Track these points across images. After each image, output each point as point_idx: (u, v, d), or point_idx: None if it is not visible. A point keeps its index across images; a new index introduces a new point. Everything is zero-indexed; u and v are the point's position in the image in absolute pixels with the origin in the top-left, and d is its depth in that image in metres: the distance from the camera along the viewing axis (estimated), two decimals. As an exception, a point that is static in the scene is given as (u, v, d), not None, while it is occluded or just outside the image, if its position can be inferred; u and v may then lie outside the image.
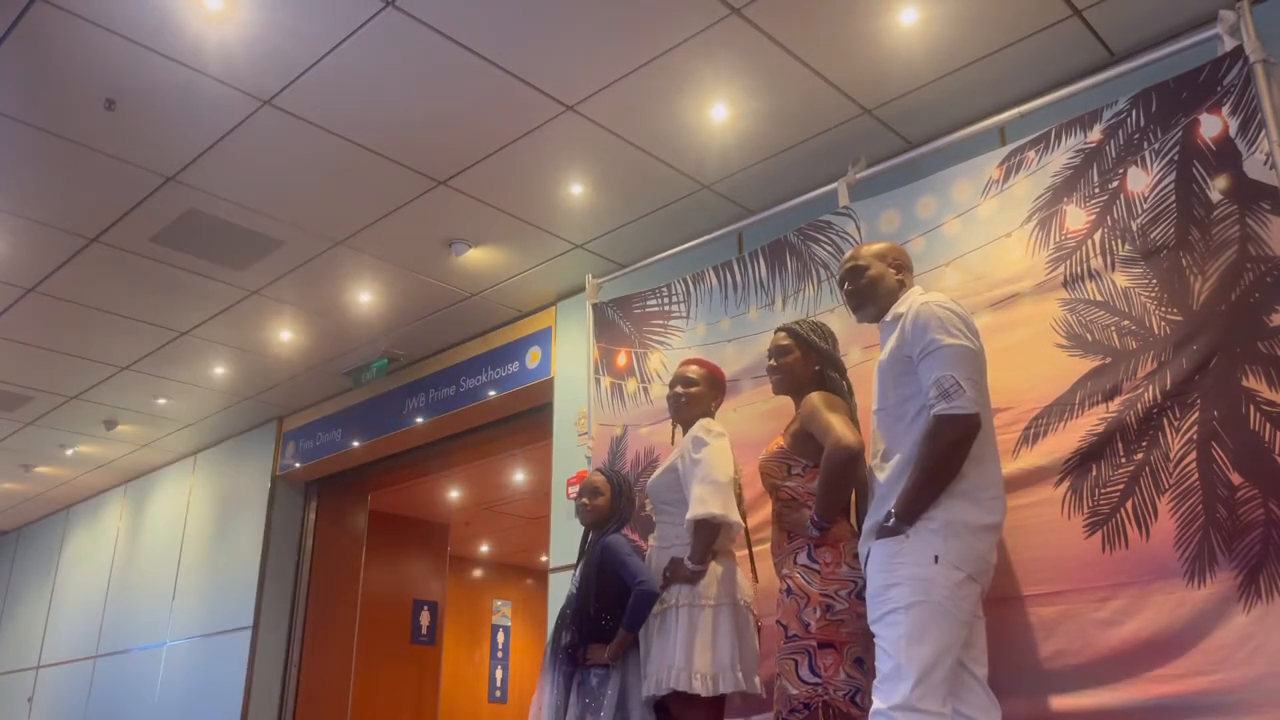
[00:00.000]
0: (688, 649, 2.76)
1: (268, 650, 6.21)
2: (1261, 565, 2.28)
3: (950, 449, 2.29)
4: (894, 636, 2.23)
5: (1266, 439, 2.35)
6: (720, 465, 2.88)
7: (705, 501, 2.80)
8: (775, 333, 2.96)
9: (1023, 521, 2.63)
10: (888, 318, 2.56)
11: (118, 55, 3.19)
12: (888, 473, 2.40)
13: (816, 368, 2.84)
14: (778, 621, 2.66)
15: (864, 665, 2.51)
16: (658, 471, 3.11)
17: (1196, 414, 2.46)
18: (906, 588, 2.25)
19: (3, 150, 3.73)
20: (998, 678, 2.39)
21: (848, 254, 2.75)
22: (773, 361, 2.90)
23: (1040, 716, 2.50)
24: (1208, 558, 2.36)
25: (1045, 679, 2.52)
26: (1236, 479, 2.37)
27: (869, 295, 2.62)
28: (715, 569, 2.86)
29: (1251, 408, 2.39)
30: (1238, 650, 2.26)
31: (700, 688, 2.71)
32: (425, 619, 8.39)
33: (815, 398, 2.74)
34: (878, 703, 2.22)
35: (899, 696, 2.17)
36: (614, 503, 3.16)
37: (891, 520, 2.31)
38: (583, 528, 3.25)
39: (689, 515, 2.83)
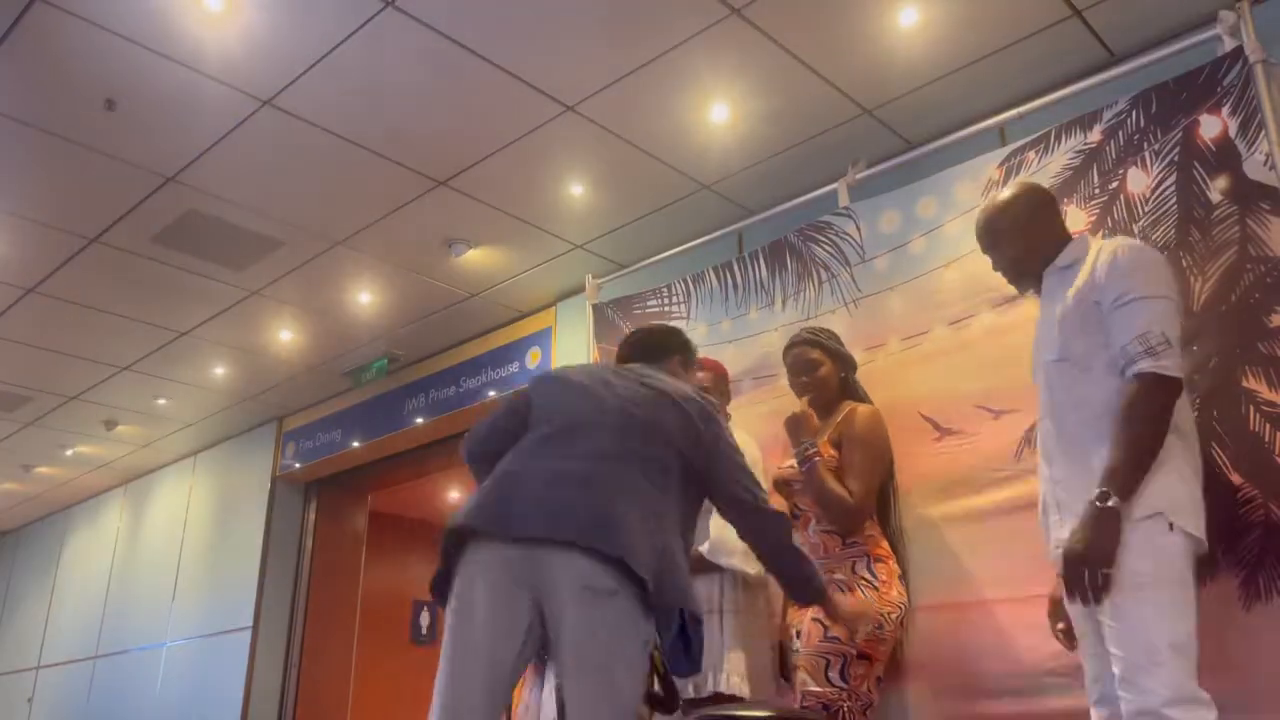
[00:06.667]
0: (735, 658, 2.76)
1: (268, 650, 6.21)
2: (1261, 565, 2.28)
3: (1161, 413, 1.98)
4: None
5: (1266, 439, 2.35)
6: None
7: (725, 552, 2.82)
8: (797, 346, 2.96)
9: (1025, 523, 2.62)
10: (1060, 263, 2.24)
11: (118, 55, 3.19)
12: (1071, 433, 2.10)
13: (842, 375, 2.93)
14: (815, 619, 2.62)
15: (879, 684, 2.60)
16: None
17: (1196, 414, 2.45)
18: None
19: (3, 150, 3.73)
20: (999, 678, 2.39)
21: (981, 215, 2.40)
22: (804, 378, 2.92)
23: (1041, 716, 2.50)
24: (1208, 558, 2.35)
25: (1047, 679, 2.51)
26: (1236, 479, 2.36)
27: (1019, 264, 2.32)
28: (752, 577, 2.87)
29: (1251, 408, 2.38)
30: (1238, 650, 2.25)
31: (744, 689, 2.72)
32: (425, 619, 8.40)
33: (870, 422, 2.81)
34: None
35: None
36: None
37: (1111, 500, 1.94)
38: None
39: (712, 557, 2.83)
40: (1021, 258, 2.32)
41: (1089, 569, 1.91)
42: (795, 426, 2.81)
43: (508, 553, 1.91)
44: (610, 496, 1.97)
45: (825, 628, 2.59)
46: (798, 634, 2.68)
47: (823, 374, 2.90)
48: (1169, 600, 1.88)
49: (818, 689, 2.53)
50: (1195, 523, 1.96)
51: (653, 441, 2.08)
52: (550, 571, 1.88)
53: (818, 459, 2.73)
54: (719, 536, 2.83)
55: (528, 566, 1.89)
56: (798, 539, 2.75)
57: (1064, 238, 2.29)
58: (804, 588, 2.26)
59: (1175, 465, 1.98)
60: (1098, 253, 2.15)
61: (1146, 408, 1.98)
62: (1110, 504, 1.92)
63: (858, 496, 2.69)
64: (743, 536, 2.21)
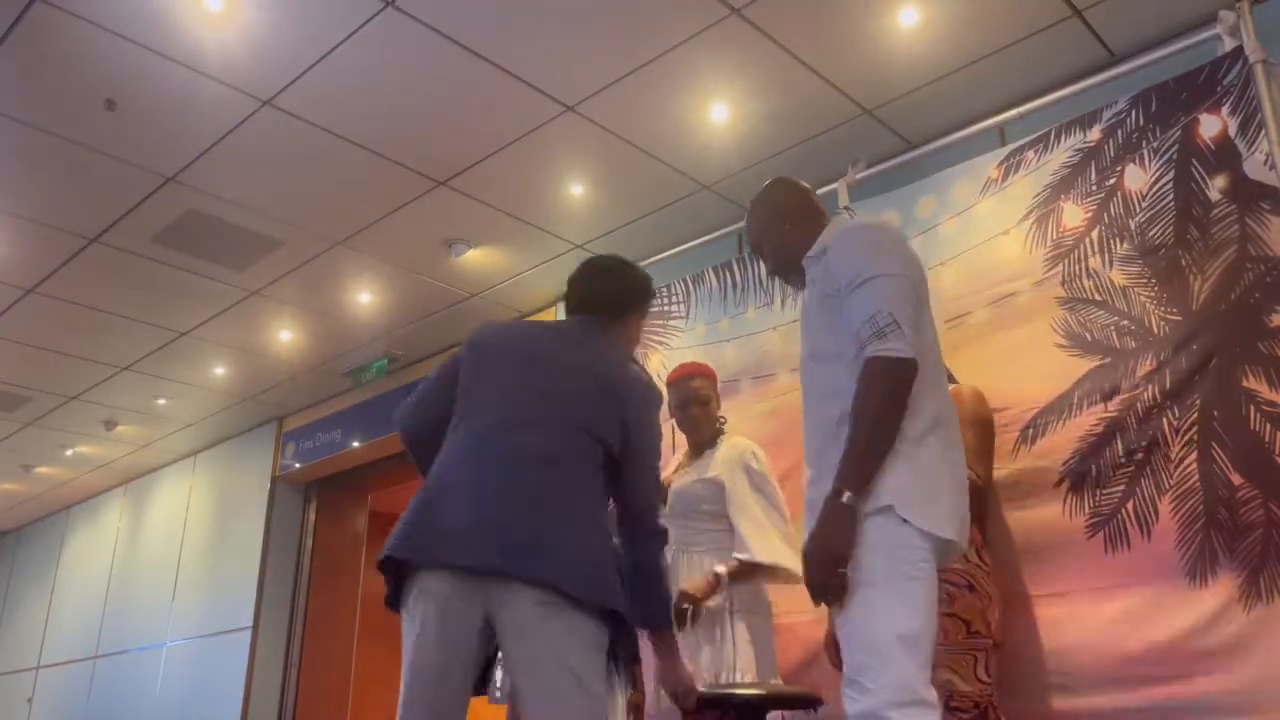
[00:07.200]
0: (745, 654, 2.73)
1: (268, 650, 6.21)
2: (1262, 566, 2.28)
3: (893, 397, 1.84)
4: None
5: (1266, 439, 2.35)
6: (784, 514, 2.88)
7: (785, 555, 2.75)
8: None
9: (1024, 522, 2.63)
10: (812, 252, 2.13)
11: (118, 55, 3.19)
12: (824, 428, 1.97)
13: None
14: (954, 614, 2.42)
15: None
16: (691, 478, 2.94)
17: (1196, 414, 2.45)
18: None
19: (3, 150, 3.72)
20: (999, 678, 2.39)
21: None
22: None
23: (1040, 717, 2.50)
24: (1209, 558, 2.36)
25: (1046, 679, 2.52)
26: (1237, 479, 2.37)
27: (778, 260, 2.30)
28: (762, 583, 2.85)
29: (1251, 408, 2.39)
30: (1238, 651, 2.25)
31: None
32: (425, 619, 8.37)
33: (979, 402, 2.69)
34: None
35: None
36: None
37: (845, 495, 1.80)
38: None
39: (766, 559, 2.72)
40: (778, 254, 2.25)
41: (824, 567, 1.78)
42: None
43: (453, 580, 1.90)
44: (549, 515, 1.94)
45: (966, 622, 2.42)
46: None
47: None
48: (897, 595, 1.74)
49: (968, 688, 2.37)
50: (925, 516, 1.79)
51: (590, 439, 2.03)
52: (498, 595, 1.88)
53: None
54: (689, 536, 2.84)
55: (476, 591, 1.89)
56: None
57: (817, 228, 2.16)
58: (659, 609, 2.11)
59: (912, 454, 1.82)
60: (832, 238, 2.05)
61: (875, 393, 1.82)
62: (844, 499, 1.78)
63: (984, 478, 2.56)
64: (625, 545, 2.07)
